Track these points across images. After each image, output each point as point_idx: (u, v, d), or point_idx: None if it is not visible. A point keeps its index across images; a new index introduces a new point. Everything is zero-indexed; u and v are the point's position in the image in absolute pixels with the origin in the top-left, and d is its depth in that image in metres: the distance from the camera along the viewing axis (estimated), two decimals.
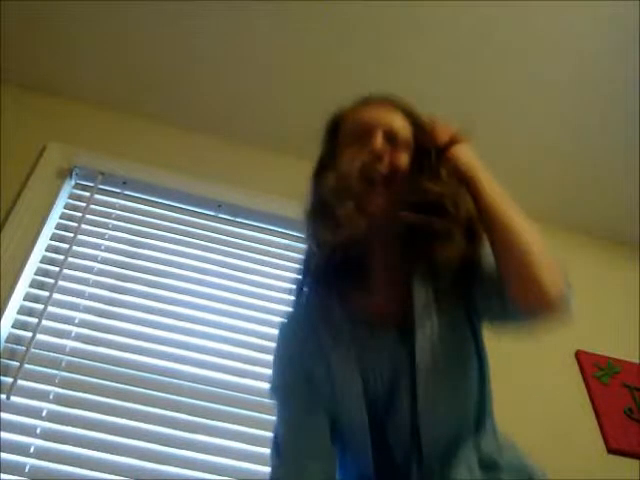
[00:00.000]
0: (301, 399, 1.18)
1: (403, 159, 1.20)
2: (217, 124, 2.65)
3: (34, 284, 2.13)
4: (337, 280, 1.24)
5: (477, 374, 1.17)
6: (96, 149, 2.46)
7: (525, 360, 2.35)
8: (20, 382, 1.90)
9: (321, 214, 1.18)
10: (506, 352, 2.34)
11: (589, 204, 2.83)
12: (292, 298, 1.29)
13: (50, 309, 2.06)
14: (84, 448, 1.86)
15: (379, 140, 1.19)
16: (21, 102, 2.54)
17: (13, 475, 1.76)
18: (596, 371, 2.41)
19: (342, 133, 1.27)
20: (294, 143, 2.67)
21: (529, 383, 2.29)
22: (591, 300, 2.67)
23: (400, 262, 1.21)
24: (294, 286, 1.29)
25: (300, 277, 1.29)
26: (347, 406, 1.12)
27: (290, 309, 1.30)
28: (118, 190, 2.43)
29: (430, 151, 1.18)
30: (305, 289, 1.28)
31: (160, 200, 2.46)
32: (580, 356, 2.44)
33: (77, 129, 2.53)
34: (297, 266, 1.32)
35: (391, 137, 1.21)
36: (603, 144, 2.61)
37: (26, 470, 1.77)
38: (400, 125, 1.24)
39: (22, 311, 2.06)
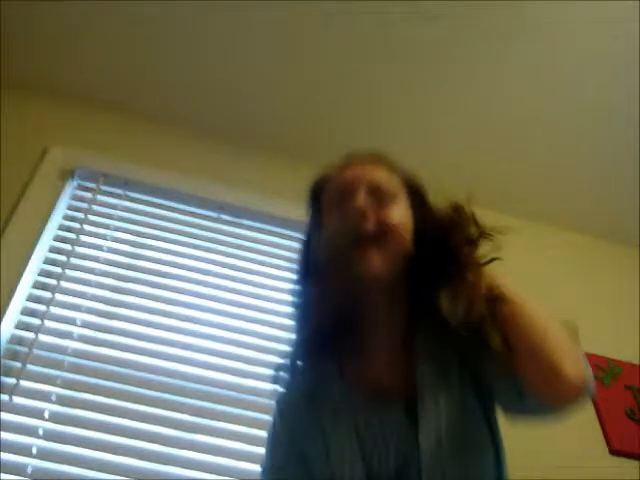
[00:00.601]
0: None
1: (393, 213, 1.11)
2: (219, 126, 2.65)
3: (36, 285, 2.13)
4: (333, 350, 1.16)
5: (493, 461, 1.05)
6: (98, 151, 2.47)
7: None
8: (22, 383, 1.90)
9: (313, 284, 1.15)
10: None
11: (590, 204, 2.82)
12: (287, 371, 1.20)
13: (52, 310, 2.07)
14: (86, 449, 1.86)
15: (360, 197, 1.11)
16: (23, 104, 2.54)
17: (15, 476, 1.76)
18: (598, 372, 2.40)
19: (324, 198, 1.20)
20: (297, 145, 2.68)
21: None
22: (592, 301, 2.67)
23: (403, 329, 1.14)
24: (288, 358, 1.20)
25: (293, 349, 1.20)
26: None
27: (287, 382, 1.21)
28: (120, 191, 2.43)
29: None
30: (299, 362, 1.19)
31: (162, 201, 2.46)
32: None
33: (79, 131, 2.53)
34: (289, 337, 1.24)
35: (375, 192, 1.13)
36: (603, 143, 2.61)
37: (28, 471, 1.77)
38: (383, 177, 1.17)
39: (25, 312, 2.06)
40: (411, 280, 1.12)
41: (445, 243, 1.10)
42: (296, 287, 1.21)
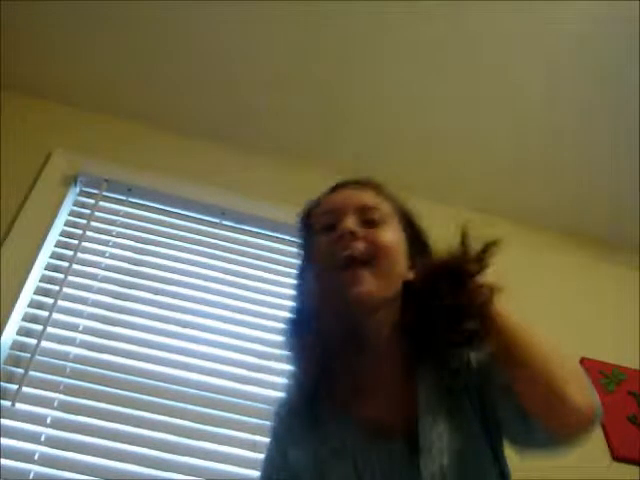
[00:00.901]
0: None
1: (384, 234, 1.08)
2: (222, 131, 2.65)
3: (39, 291, 2.13)
4: (331, 390, 1.11)
5: None
6: (101, 156, 2.47)
7: None
8: (25, 389, 1.90)
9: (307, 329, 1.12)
10: None
11: (594, 210, 2.82)
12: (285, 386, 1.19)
13: (55, 316, 2.07)
14: (88, 455, 1.86)
15: (349, 219, 1.08)
16: (26, 109, 2.55)
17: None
18: (601, 378, 2.40)
19: (314, 227, 1.15)
20: (299, 151, 2.68)
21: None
22: (596, 307, 2.66)
23: (402, 362, 1.09)
24: (285, 392, 1.17)
25: (289, 391, 1.17)
26: None
27: (285, 405, 1.17)
28: (123, 197, 2.43)
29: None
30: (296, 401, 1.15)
31: (165, 207, 2.47)
32: (585, 364, 2.43)
33: (82, 136, 2.54)
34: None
35: (364, 214, 1.10)
36: (603, 147, 2.61)
37: (30, 477, 1.77)
38: (372, 199, 1.13)
39: (27, 318, 2.06)
40: (410, 310, 1.08)
41: (454, 292, 1.05)
42: (290, 331, 1.16)
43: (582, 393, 0.93)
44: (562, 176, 2.72)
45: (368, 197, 1.14)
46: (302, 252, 1.20)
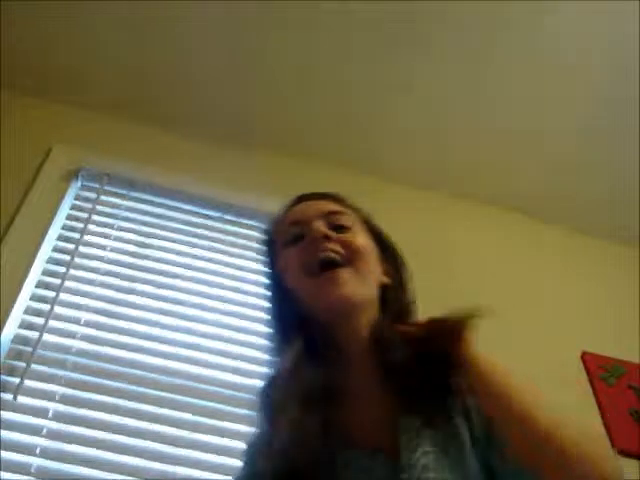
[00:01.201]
0: None
1: (357, 237, 1.06)
2: (223, 126, 2.66)
3: (40, 285, 2.13)
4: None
5: None
6: (102, 151, 2.47)
7: (531, 361, 2.35)
8: (27, 382, 1.90)
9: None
10: (512, 353, 2.34)
11: (595, 205, 2.82)
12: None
13: (57, 309, 2.07)
14: (90, 448, 1.86)
15: (318, 223, 1.05)
16: (27, 105, 2.55)
17: (19, 474, 1.76)
18: (602, 372, 2.40)
19: (279, 242, 1.11)
20: (301, 145, 2.68)
21: (534, 385, 2.29)
22: (597, 301, 2.66)
23: (382, 373, 1.01)
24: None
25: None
26: None
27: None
28: (124, 192, 2.44)
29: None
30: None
31: (166, 201, 2.47)
32: (586, 358, 2.44)
33: (83, 131, 2.54)
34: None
35: (332, 220, 1.07)
36: (607, 145, 2.62)
37: (32, 470, 1.77)
38: (337, 207, 1.11)
39: (29, 311, 2.06)
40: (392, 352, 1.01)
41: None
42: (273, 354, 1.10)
43: (604, 468, 0.83)
44: (561, 171, 2.74)
45: (332, 205, 1.11)
46: (269, 271, 1.14)
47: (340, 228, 1.06)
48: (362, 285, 1.01)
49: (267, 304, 1.14)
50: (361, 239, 1.07)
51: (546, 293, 2.63)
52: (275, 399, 1.00)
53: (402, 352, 0.99)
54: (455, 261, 2.58)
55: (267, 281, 1.15)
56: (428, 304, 2.32)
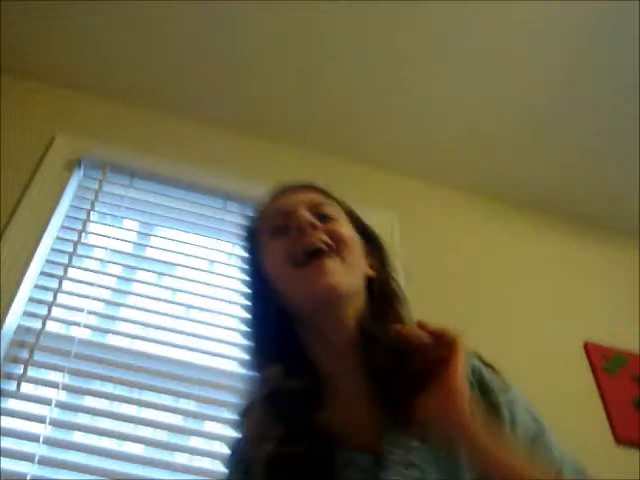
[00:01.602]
0: None
1: (343, 227, 1.04)
2: (225, 115, 2.65)
3: (43, 274, 2.13)
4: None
5: None
6: (104, 140, 2.46)
7: (533, 352, 2.35)
8: (30, 371, 1.91)
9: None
10: (515, 344, 2.35)
11: (595, 195, 2.82)
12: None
13: (59, 299, 2.07)
14: (94, 436, 1.87)
15: (303, 213, 1.02)
16: (29, 93, 2.54)
17: (23, 462, 1.76)
18: (604, 363, 2.40)
19: (261, 236, 1.08)
20: (303, 134, 2.68)
21: (537, 375, 2.29)
22: (599, 291, 2.66)
23: (367, 368, 0.97)
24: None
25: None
26: None
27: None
28: (127, 181, 2.43)
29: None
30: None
31: (168, 190, 2.47)
32: (588, 348, 2.44)
33: (85, 120, 2.54)
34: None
35: (316, 211, 1.04)
36: (605, 133, 2.61)
37: (35, 459, 1.78)
38: (321, 198, 1.09)
39: (32, 300, 2.06)
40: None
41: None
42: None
43: None
44: (562, 161, 2.73)
45: (315, 196, 1.09)
46: (250, 267, 1.11)
47: (325, 218, 1.04)
48: (349, 275, 0.98)
49: (246, 300, 1.10)
50: (346, 229, 1.05)
51: (548, 284, 2.62)
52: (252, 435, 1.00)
53: (388, 348, 0.95)
54: (453, 252, 2.58)
55: (247, 274, 1.11)
56: (425, 294, 2.33)
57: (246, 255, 1.13)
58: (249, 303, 1.09)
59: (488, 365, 1.00)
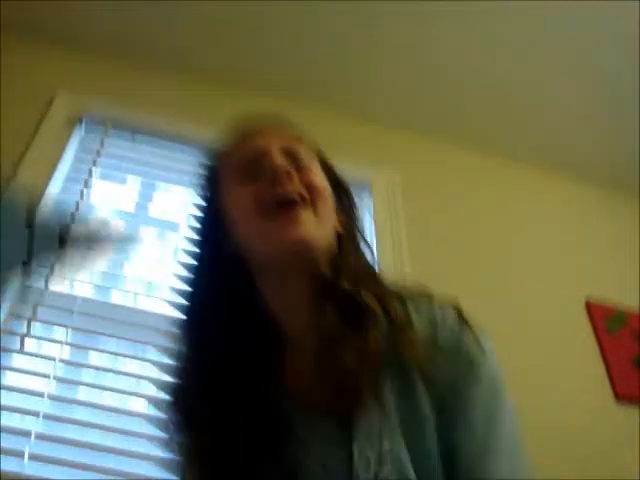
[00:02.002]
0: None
1: (317, 177, 0.98)
2: (227, 70, 2.62)
3: None
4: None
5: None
6: (106, 97, 2.44)
7: (535, 309, 2.36)
8: (33, 330, 1.91)
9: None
10: (516, 301, 2.35)
11: (596, 152, 2.80)
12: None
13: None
14: (97, 392, 1.88)
15: (278, 157, 0.95)
16: (30, 51, 2.52)
17: (28, 417, 1.78)
18: (606, 321, 2.40)
19: (226, 175, 1.01)
20: (315, 92, 2.65)
21: (538, 333, 2.30)
22: (600, 249, 2.66)
23: (334, 327, 0.91)
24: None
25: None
26: None
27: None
28: (128, 137, 2.42)
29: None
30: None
31: (170, 146, 2.45)
32: (590, 306, 2.44)
33: (86, 77, 2.51)
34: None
35: (290, 155, 0.98)
36: (603, 84, 2.59)
37: (40, 415, 1.77)
38: (294, 143, 1.01)
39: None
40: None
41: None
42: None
43: None
44: (562, 119, 2.71)
45: (288, 139, 1.02)
46: (206, 208, 1.05)
47: (299, 165, 0.97)
48: (320, 229, 0.93)
49: (193, 246, 1.05)
50: (319, 179, 0.99)
51: (549, 241, 2.62)
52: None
53: (344, 306, 0.91)
54: (453, 210, 2.57)
55: (202, 216, 1.06)
56: (426, 251, 2.32)
57: (203, 195, 1.06)
58: (197, 249, 1.04)
59: (466, 322, 0.93)
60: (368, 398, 0.85)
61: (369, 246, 1.05)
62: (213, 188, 1.03)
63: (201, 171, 1.08)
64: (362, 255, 1.02)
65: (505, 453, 0.83)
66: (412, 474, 0.81)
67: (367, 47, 2.53)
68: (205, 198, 1.05)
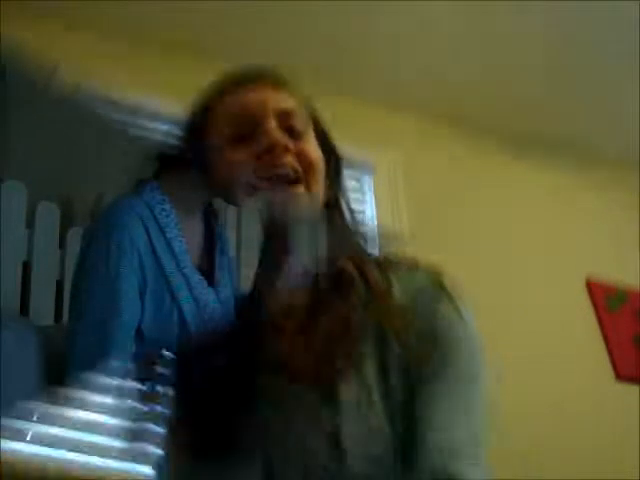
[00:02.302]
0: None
1: (311, 148, 0.94)
2: (226, 50, 2.59)
3: None
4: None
5: None
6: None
7: (535, 288, 2.36)
8: None
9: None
10: (517, 280, 2.36)
11: (597, 129, 2.79)
12: None
13: None
14: None
15: (274, 127, 0.91)
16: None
17: None
18: (606, 299, 2.40)
19: (216, 126, 0.95)
20: (298, 70, 2.62)
21: (538, 312, 2.31)
22: (601, 228, 2.66)
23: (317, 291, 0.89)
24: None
25: None
26: None
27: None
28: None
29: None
30: None
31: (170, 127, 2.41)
32: (590, 284, 2.44)
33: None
34: None
35: (286, 122, 0.93)
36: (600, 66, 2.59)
37: None
38: (292, 105, 0.96)
39: None
40: None
41: None
42: None
43: None
44: (561, 94, 2.70)
45: (285, 99, 0.96)
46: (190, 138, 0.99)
47: (295, 133, 0.93)
48: (312, 206, 0.92)
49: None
50: (314, 150, 0.95)
51: (550, 220, 2.61)
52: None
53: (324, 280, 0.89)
54: (455, 191, 2.56)
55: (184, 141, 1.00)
56: (427, 232, 2.30)
57: (186, 132, 1.00)
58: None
59: (447, 292, 0.89)
60: (349, 366, 0.82)
61: (354, 215, 1.02)
62: (198, 147, 0.96)
63: (189, 110, 1.01)
64: (346, 225, 0.99)
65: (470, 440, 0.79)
66: (392, 446, 0.78)
67: (372, 28, 2.51)
68: (188, 137, 1.00)
